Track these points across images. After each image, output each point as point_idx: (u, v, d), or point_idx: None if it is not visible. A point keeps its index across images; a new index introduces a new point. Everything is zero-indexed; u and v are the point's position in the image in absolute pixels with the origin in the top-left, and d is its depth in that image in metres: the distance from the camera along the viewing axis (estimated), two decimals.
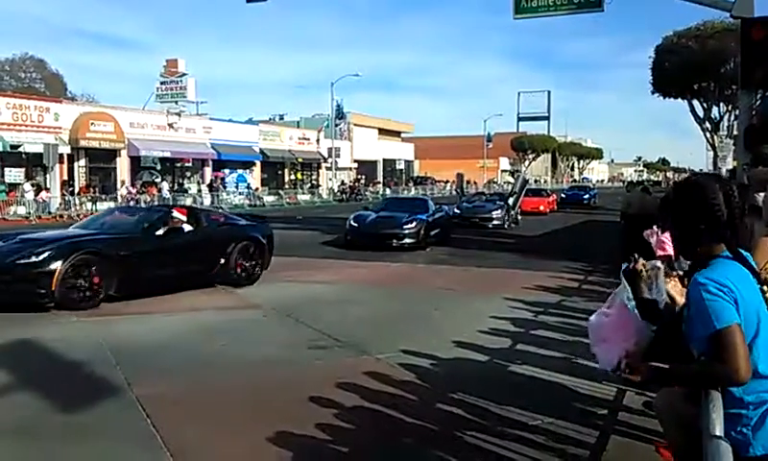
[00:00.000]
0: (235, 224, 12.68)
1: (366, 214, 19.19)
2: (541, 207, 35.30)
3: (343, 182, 56.71)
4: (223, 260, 11.32)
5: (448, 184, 68.42)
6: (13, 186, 32.80)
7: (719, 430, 1.96)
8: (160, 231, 10.64)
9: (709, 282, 2.20)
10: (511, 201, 27.42)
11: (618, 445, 4.75)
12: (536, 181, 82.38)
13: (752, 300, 2.22)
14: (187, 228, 11.09)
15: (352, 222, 18.57)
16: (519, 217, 28.18)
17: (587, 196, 48.82)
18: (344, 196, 52.04)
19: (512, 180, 47.84)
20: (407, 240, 17.49)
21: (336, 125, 58.56)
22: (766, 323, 2.24)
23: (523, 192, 29.31)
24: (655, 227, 5.02)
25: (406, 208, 19.36)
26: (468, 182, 65.05)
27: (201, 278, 11.12)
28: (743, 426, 2.20)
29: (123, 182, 38.02)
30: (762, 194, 4.05)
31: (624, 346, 2.48)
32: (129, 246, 10.05)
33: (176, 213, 11.20)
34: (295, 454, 4.58)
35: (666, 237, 4.39)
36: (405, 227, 17.66)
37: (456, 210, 26.30)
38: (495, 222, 25.64)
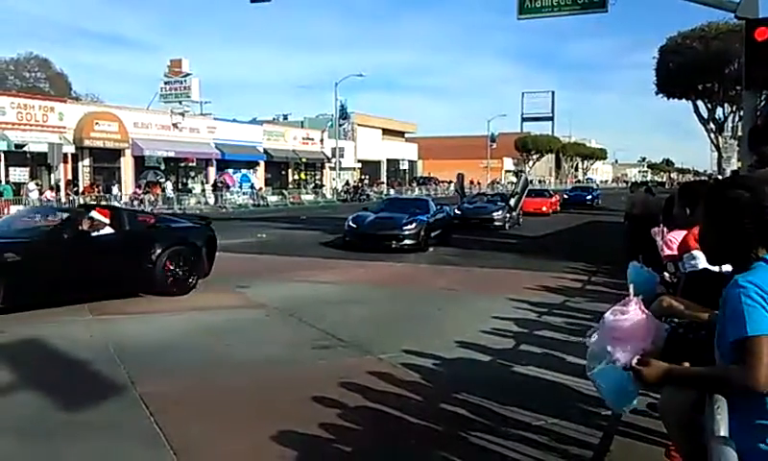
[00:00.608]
0: (167, 226, 11.48)
1: (365, 215, 18.82)
2: (544, 208, 35.03)
3: (348, 183, 56.72)
4: (147, 266, 10.12)
5: (452, 185, 68.39)
6: (18, 186, 32.85)
7: (724, 431, 1.95)
8: (68, 234, 9.51)
9: (751, 287, 2.10)
10: (512, 201, 27.17)
11: (622, 446, 4.74)
12: (540, 182, 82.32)
13: None
14: (108, 230, 9.94)
15: (351, 223, 18.23)
16: (521, 218, 28.05)
17: (589, 197, 48.54)
18: (348, 196, 52.04)
19: (515, 180, 47.70)
20: (407, 242, 17.21)
21: (340, 125, 58.57)
22: None
23: (525, 193, 29.10)
24: (661, 225, 5.01)
25: (406, 209, 19.06)
26: (471, 183, 65.08)
27: (119, 285, 9.97)
28: None
29: (115, 183, 37.55)
30: None
31: (641, 345, 2.45)
32: (22, 251, 8.89)
33: (95, 214, 10.09)
34: (298, 454, 4.58)
35: (673, 237, 4.38)
36: (405, 228, 17.37)
37: (457, 211, 25.96)
38: (497, 223, 25.40)
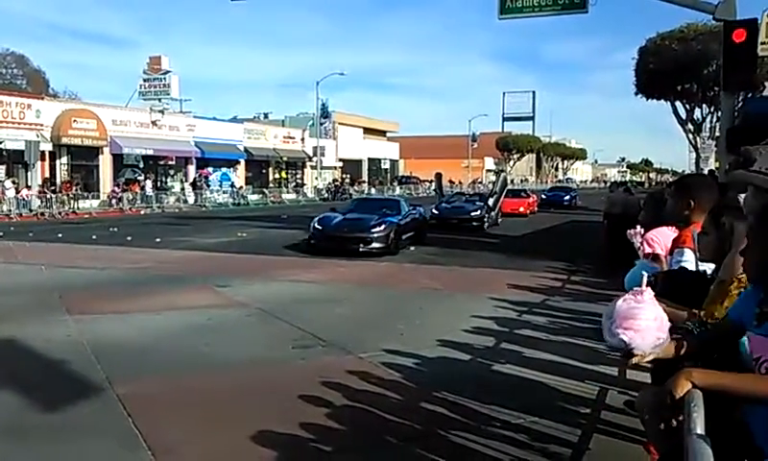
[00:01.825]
0: None
1: (332, 216, 17.76)
2: (521, 209, 34.34)
3: (333, 181, 56.60)
4: None
5: (433, 184, 68.37)
6: None
7: (700, 429, 1.96)
8: None
9: None
10: (491, 201, 26.97)
11: (600, 443, 4.77)
12: (522, 182, 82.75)
13: None
14: None
15: (316, 224, 17.16)
16: (500, 218, 27.88)
17: (567, 197, 48.10)
18: (329, 195, 51.92)
19: (495, 179, 47.56)
20: (375, 245, 16.30)
21: (321, 124, 58.45)
22: None
23: (504, 192, 28.81)
24: (638, 227, 5.05)
25: (376, 210, 18.18)
26: (452, 183, 65.25)
27: None
28: None
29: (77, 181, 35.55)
30: (743, 195, 4.09)
31: (658, 335, 2.44)
32: None
33: None
34: (278, 453, 4.56)
35: (654, 235, 4.40)
36: (373, 230, 16.45)
37: (435, 211, 25.85)
38: (475, 223, 25.15)
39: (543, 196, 46.33)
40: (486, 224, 25.55)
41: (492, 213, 26.68)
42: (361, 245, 16.28)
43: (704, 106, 38.75)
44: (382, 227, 16.65)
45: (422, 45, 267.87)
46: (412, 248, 17.73)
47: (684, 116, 39.72)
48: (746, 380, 2.24)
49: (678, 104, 39.53)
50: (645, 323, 2.44)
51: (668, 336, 2.49)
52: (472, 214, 25.68)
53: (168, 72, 43.28)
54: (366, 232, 16.47)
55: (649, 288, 2.55)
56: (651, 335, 2.42)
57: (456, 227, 24.40)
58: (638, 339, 2.42)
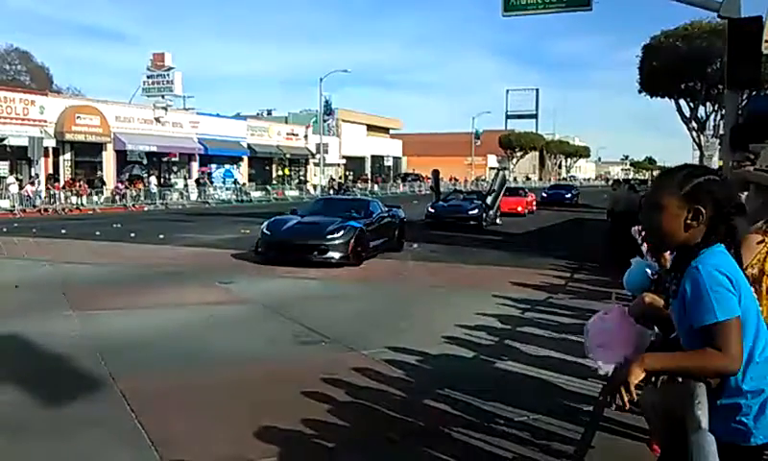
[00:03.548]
0: None
1: (285, 219, 15.35)
2: (519, 208, 32.99)
3: (332, 179, 56.64)
4: None
5: (431, 182, 68.27)
6: None
7: (704, 423, 1.97)
8: None
9: (714, 271, 2.14)
10: (489, 199, 26.33)
11: (603, 440, 4.78)
12: (528, 179, 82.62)
13: (747, 289, 2.22)
14: None
15: (265, 229, 14.67)
16: (499, 218, 27.32)
17: (569, 195, 47.24)
18: (332, 192, 51.95)
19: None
20: (331, 254, 13.74)
21: (324, 121, 58.44)
22: (757, 312, 2.25)
23: (503, 190, 27.91)
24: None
25: (339, 212, 15.63)
26: (456, 180, 65.25)
27: None
28: (743, 416, 2.20)
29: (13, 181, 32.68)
30: (746, 193, 4.09)
31: (622, 352, 2.48)
32: None
33: None
34: (281, 449, 4.57)
35: None
36: (329, 237, 13.90)
37: (431, 210, 25.60)
38: (473, 222, 24.75)
39: (544, 194, 45.49)
40: (484, 223, 25.09)
41: (491, 212, 26.14)
42: (315, 253, 13.84)
43: (708, 104, 38.64)
44: (340, 233, 14.06)
45: (426, 42, 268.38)
46: (414, 245, 17.66)
47: (687, 114, 39.62)
48: (675, 358, 2.29)
49: (682, 102, 39.42)
50: (610, 340, 2.51)
51: (637, 349, 2.54)
52: (470, 213, 25.27)
53: (171, 68, 43.36)
54: (320, 239, 13.96)
55: (617, 307, 2.61)
56: (614, 355, 2.50)
57: (453, 226, 23.97)
58: (601, 360, 2.51)
